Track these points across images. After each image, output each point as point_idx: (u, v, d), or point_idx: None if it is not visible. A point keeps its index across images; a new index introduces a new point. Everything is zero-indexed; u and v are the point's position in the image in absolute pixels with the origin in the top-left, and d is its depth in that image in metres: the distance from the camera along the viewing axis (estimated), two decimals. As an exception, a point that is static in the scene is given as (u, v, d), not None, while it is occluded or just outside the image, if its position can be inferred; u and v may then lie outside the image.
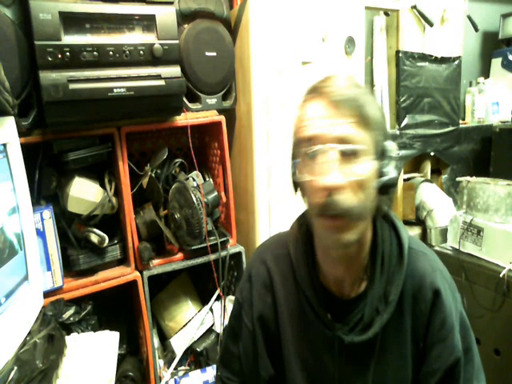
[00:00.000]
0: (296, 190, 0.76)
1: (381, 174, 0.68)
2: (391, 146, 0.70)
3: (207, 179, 1.57)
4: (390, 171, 0.68)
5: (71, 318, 1.19)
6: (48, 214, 1.18)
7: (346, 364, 0.77)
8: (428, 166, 2.37)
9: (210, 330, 1.51)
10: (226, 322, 1.48)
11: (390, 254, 0.76)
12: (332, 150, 0.64)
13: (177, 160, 1.51)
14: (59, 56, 1.09)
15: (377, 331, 0.73)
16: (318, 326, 0.77)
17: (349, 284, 0.77)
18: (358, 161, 0.65)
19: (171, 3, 1.27)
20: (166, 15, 1.24)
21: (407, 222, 2.29)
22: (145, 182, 1.40)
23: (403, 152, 2.15)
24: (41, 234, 1.17)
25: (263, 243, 0.93)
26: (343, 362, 0.77)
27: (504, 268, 1.53)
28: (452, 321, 0.75)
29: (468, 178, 1.73)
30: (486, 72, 2.74)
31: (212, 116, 1.45)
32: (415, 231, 2.25)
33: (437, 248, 1.87)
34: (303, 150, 0.67)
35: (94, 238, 1.27)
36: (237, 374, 0.89)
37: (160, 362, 1.44)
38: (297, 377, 0.81)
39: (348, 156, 0.64)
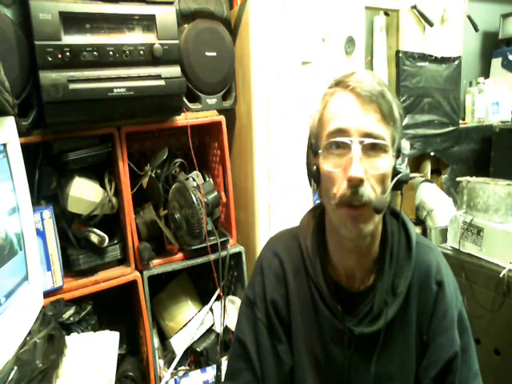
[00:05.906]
0: (311, 181, 0.76)
1: (396, 170, 0.71)
2: (405, 144, 0.73)
3: (207, 179, 1.57)
4: (404, 168, 0.72)
5: (71, 318, 1.19)
6: (48, 213, 1.18)
7: (354, 355, 0.78)
8: (428, 166, 2.36)
9: (210, 330, 1.51)
10: (226, 322, 1.48)
11: (399, 247, 0.78)
12: (360, 144, 0.66)
13: (177, 160, 1.51)
14: (59, 56, 1.09)
15: (385, 322, 0.74)
16: (329, 318, 0.77)
17: (359, 276, 0.78)
18: (380, 156, 0.68)
19: (171, 3, 1.27)
20: (165, 15, 1.24)
21: (407, 222, 2.29)
22: (145, 181, 1.40)
23: (403, 152, 2.16)
24: (41, 233, 1.17)
25: (273, 237, 0.92)
26: (352, 354, 0.78)
27: (504, 268, 1.53)
28: (453, 314, 0.77)
29: (468, 177, 1.73)
30: (486, 72, 2.74)
31: (212, 116, 1.45)
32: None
33: (437, 248, 1.87)
34: (329, 141, 0.69)
35: (94, 238, 1.27)
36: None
37: (160, 362, 1.44)
38: (306, 368, 0.81)
39: (372, 150, 0.67)
